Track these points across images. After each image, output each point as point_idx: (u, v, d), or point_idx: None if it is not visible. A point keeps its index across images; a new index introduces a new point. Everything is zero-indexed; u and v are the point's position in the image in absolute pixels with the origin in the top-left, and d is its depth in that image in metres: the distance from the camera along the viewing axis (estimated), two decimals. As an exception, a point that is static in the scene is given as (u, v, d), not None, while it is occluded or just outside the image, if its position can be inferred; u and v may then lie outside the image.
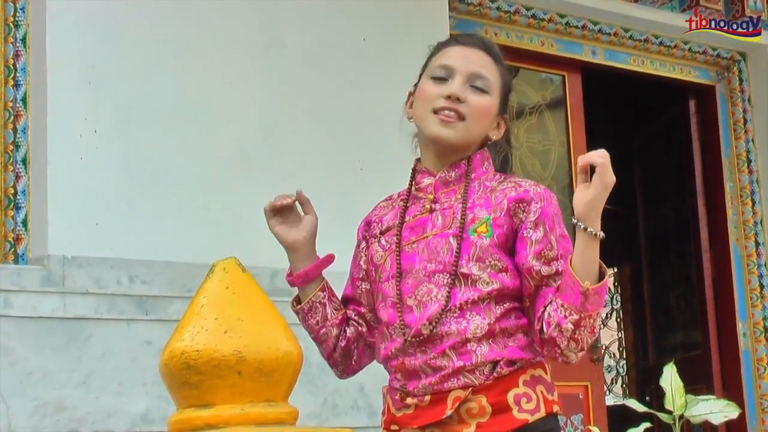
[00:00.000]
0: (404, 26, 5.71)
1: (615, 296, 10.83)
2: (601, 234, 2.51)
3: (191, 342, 1.61)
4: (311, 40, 5.41)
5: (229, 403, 1.61)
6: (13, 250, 4.62)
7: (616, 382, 10.87)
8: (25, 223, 4.65)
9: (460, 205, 2.66)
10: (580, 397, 6.55)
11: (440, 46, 2.82)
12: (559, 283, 2.58)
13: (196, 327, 1.63)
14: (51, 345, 4.27)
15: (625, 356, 10.69)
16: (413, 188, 2.77)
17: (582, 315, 2.52)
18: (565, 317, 2.53)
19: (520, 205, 2.64)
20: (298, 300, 2.89)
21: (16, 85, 4.76)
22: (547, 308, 2.58)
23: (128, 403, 4.37)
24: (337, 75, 5.45)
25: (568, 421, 6.45)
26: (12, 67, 4.76)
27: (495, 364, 2.58)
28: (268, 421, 1.61)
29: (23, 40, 4.79)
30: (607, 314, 10.67)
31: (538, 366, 2.66)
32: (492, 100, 2.74)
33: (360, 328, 2.83)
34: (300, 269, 2.84)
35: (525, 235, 2.62)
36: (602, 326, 8.14)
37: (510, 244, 2.64)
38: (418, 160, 2.82)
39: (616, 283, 10.85)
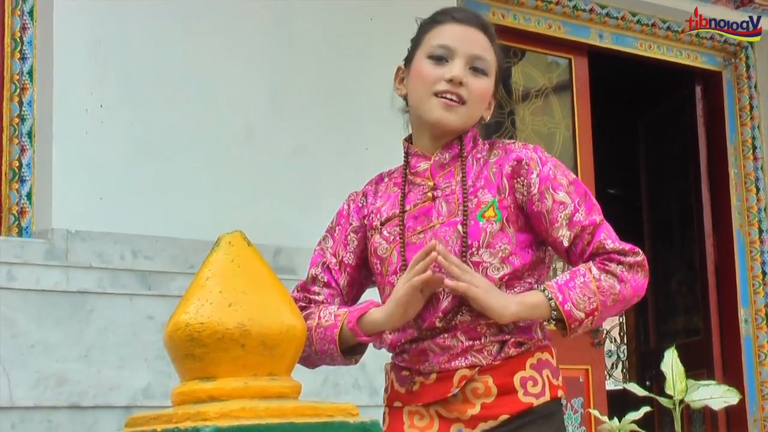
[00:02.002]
0: (412, 5, 5.68)
1: (617, 281, 10.83)
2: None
3: (195, 314, 1.61)
4: (319, 18, 5.41)
5: (233, 376, 1.61)
6: (17, 223, 4.62)
7: (616, 367, 10.88)
8: (29, 196, 4.65)
9: (462, 188, 2.62)
10: (581, 380, 6.56)
11: (435, 22, 2.73)
12: (578, 245, 2.60)
13: (200, 300, 1.63)
14: (53, 318, 4.28)
15: (626, 341, 10.70)
16: (408, 171, 2.71)
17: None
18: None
19: (518, 179, 2.61)
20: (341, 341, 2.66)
21: (23, 59, 4.75)
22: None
23: (129, 377, 4.38)
24: (344, 53, 5.44)
25: (569, 404, 6.46)
26: (19, 40, 4.76)
27: (503, 344, 2.58)
28: (271, 394, 1.61)
29: (30, 13, 4.78)
30: (609, 299, 10.66)
31: (545, 349, 2.65)
32: (490, 81, 2.69)
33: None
34: (381, 331, 2.65)
35: (535, 209, 2.60)
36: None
37: (520, 220, 2.61)
38: (407, 140, 2.76)
39: (619, 268, 10.84)
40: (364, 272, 2.78)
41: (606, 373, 8.75)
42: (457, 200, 2.61)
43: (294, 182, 5.13)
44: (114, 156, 4.71)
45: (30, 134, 4.69)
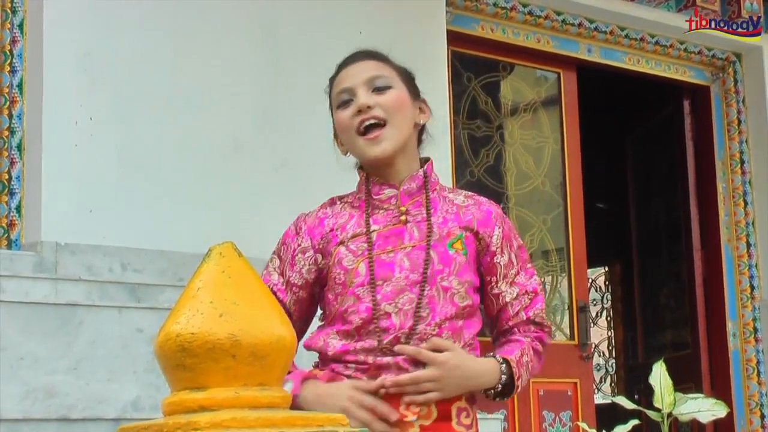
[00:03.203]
0: (401, 20, 5.72)
1: (605, 295, 10.86)
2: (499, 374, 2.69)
3: (186, 325, 1.61)
4: (307, 32, 5.42)
5: (223, 386, 1.61)
6: (6, 235, 4.62)
7: (605, 381, 10.90)
8: (18, 209, 4.66)
9: (433, 219, 2.71)
10: (569, 393, 6.57)
11: (331, 79, 2.84)
12: (515, 307, 2.78)
13: (191, 310, 1.63)
14: (42, 330, 4.27)
15: (614, 355, 10.72)
16: (371, 198, 2.76)
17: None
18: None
19: (486, 230, 2.74)
20: None
21: (12, 71, 4.76)
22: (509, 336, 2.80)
23: (118, 390, 4.37)
24: (333, 67, 5.44)
25: (557, 417, 6.48)
26: (8, 53, 4.77)
27: None
28: (262, 404, 1.62)
29: (20, 26, 4.79)
30: (597, 313, 10.70)
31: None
32: (398, 91, 2.74)
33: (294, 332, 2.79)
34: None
35: (495, 261, 2.74)
36: (593, 325, 8.16)
37: (474, 265, 2.73)
38: (361, 168, 2.80)
39: (607, 282, 10.88)
40: (313, 290, 2.80)
41: (594, 386, 8.77)
42: (430, 227, 2.69)
43: (282, 195, 5.14)
44: (103, 169, 4.71)
45: (19, 147, 4.70)
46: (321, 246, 2.75)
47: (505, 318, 2.77)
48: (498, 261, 2.74)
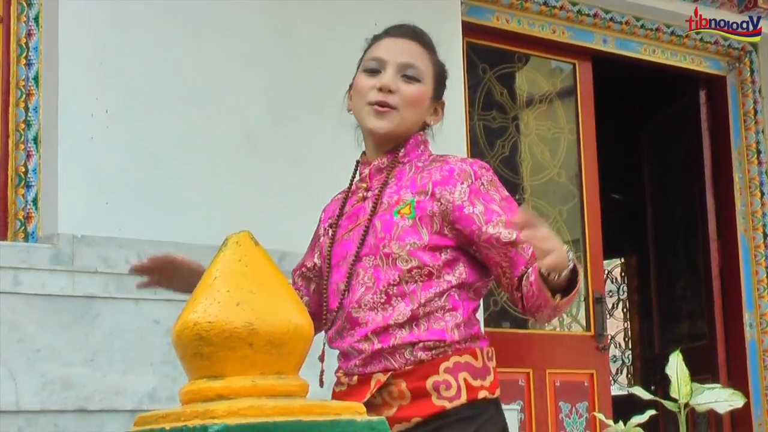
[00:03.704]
0: (416, 12, 5.70)
1: (621, 286, 10.84)
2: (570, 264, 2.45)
3: (203, 314, 1.62)
4: (321, 25, 5.42)
5: (240, 374, 1.61)
6: (23, 228, 4.63)
7: (621, 372, 10.89)
8: (35, 201, 4.67)
9: (389, 189, 2.71)
10: (585, 385, 6.56)
11: (373, 39, 2.87)
12: (527, 251, 2.56)
13: (208, 299, 1.63)
14: (59, 322, 4.28)
15: (630, 347, 10.70)
16: (356, 179, 2.84)
17: (557, 312, 2.57)
18: (542, 306, 2.51)
19: (446, 188, 2.65)
20: None
21: (28, 64, 4.77)
22: (524, 284, 2.56)
23: (135, 381, 4.38)
24: (347, 60, 5.43)
25: (573, 408, 6.47)
26: (24, 46, 4.78)
27: (413, 346, 2.60)
28: (279, 393, 1.62)
29: (36, 19, 4.80)
30: (613, 304, 10.68)
31: (464, 352, 2.64)
32: (424, 87, 2.77)
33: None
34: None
35: (466, 212, 2.61)
36: (609, 316, 8.16)
37: (437, 226, 2.63)
38: (364, 153, 2.86)
39: (623, 274, 10.86)
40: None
41: (611, 378, 8.76)
42: (380, 198, 2.71)
43: (297, 187, 5.14)
44: (119, 161, 4.72)
45: (36, 140, 4.71)
46: (321, 232, 2.90)
47: (516, 256, 2.59)
48: (470, 211, 2.60)
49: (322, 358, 2.78)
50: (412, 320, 2.60)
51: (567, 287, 2.46)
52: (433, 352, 2.61)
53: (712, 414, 6.94)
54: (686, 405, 2.55)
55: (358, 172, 2.85)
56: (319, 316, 2.80)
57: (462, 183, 2.65)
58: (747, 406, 6.14)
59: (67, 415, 4.22)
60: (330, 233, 2.80)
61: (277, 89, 5.24)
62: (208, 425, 1.51)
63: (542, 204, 6.87)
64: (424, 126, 2.83)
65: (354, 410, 1.66)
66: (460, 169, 2.67)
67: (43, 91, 4.74)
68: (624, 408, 5.27)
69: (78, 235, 4.54)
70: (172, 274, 2.91)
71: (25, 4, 4.79)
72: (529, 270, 2.54)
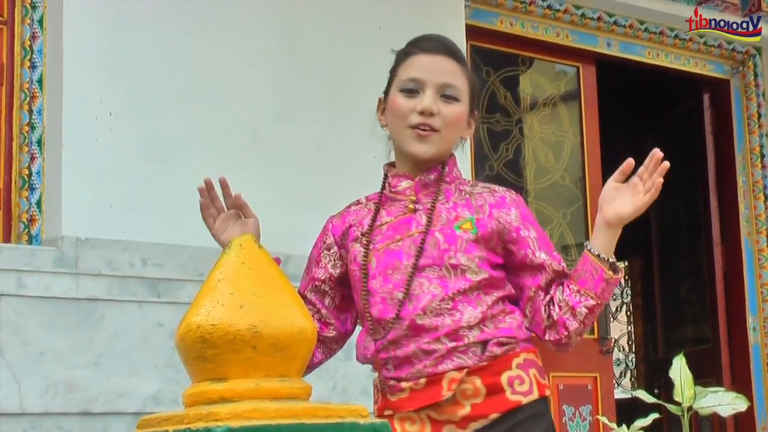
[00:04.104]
0: (420, 14, 5.72)
1: (625, 290, 10.83)
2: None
3: (207, 316, 1.62)
4: (326, 26, 5.42)
5: (244, 377, 1.62)
6: (27, 230, 4.64)
7: (624, 376, 10.87)
8: (39, 204, 4.67)
9: (443, 205, 2.75)
10: (589, 388, 6.56)
11: (406, 55, 2.85)
12: (561, 280, 2.73)
13: (212, 301, 1.64)
14: (63, 325, 4.29)
15: (634, 350, 10.69)
16: (388, 191, 2.83)
17: (598, 301, 2.67)
18: (581, 302, 2.67)
19: (502, 210, 2.75)
20: None
21: (32, 67, 4.77)
22: (556, 295, 2.71)
23: (139, 384, 4.39)
24: (352, 61, 5.45)
25: (577, 411, 6.47)
26: (28, 48, 4.78)
27: (485, 344, 2.66)
28: (282, 395, 1.62)
29: (40, 21, 4.80)
30: (617, 308, 10.67)
31: (530, 350, 2.74)
32: (463, 107, 2.80)
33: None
34: None
35: (522, 234, 2.74)
36: (612, 319, 8.15)
37: (493, 243, 2.73)
38: (389, 165, 2.88)
39: (627, 277, 10.84)
40: (340, 287, 2.89)
41: (614, 381, 8.75)
42: (437, 213, 2.74)
43: (302, 189, 5.14)
44: (123, 164, 4.72)
45: (40, 142, 4.71)
46: (342, 242, 2.85)
47: (555, 286, 2.75)
48: (526, 234, 2.74)
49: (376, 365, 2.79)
50: (482, 322, 2.66)
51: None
52: (506, 347, 2.68)
53: (715, 417, 6.93)
54: (690, 408, 2.55)
55: (388, 183, 2.84)
56: (343, 329, 2.88)
57: (515, 208, 2.77)
58: (750, 409, 6.13)
59: (71, 417, 4.23)
60: (364, 242, 2.78)
61: (282, 90, 5.24)
62: (212, 428, 1.51)
63: (546, 207, 6.87)
64: (460, 140, 2.87)
65: (357, 413, 1.66)
66: (510, 198, 2.80)
67: (47, 93, 4.74)
68: (627, 411, 5.27)
69: (82, 237, 4.54)
70: (228, 218, 2.95)
71: (29, 7, 4.80)
72: (564, 287, 2.73)
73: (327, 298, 2.89)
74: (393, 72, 2.86)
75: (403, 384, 2.68)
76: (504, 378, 2.65)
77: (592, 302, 2.66)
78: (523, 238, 2.73)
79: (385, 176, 2.86)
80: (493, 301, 2.69)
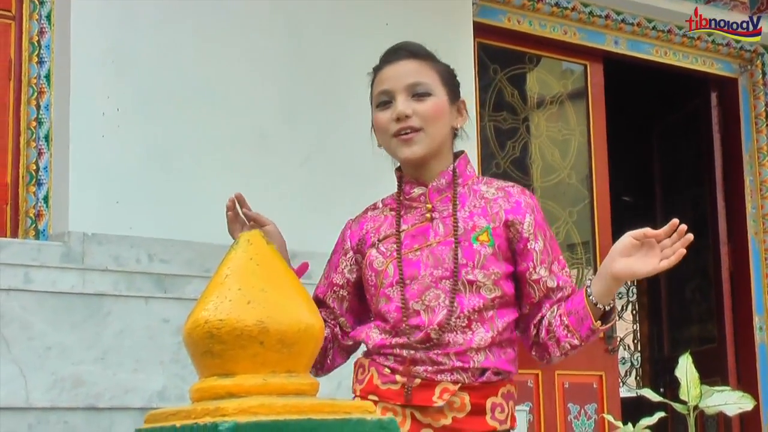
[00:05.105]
0: (427, 12, 5.72)
1: (631, 288, 10.82)
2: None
3: (214, 311, 1.62)
4: (332, 24, 5.42)
5: (251, 372, 1.62)
6: (34, 226, 4.64)
7: (630, 375, 10.86)
8: (46, 199, 4.68)
9: (459, 213, 2.78)
10: (594, 386, 6.56)
11: (374, 72, 2.90)
12: (557, 296, 2.79)
13: (219, 297, 1.64)
14: (70, 321, 4.29)
15: (639, 349, 10.68)
16: (402, 198, 2.86)
17: (582, 343, 2.75)
18: (566, 338, 2.75)
19: (517, 217, 2.78)
20: None
21: (40, 62, 4.78)
22: (547, 317, 2.79)
23: (145, 379, 4.39)
24: (358, 60, 5.44)
25: (582, 410, 6.46)
26: (36, 44, 4.78)
27: (485, 370, 2.74)
28: (289, 391, 1.62)
29: (48, 17, 4.80)
30: (622, 306, 10.67)
31: (513, 383, 2.84)
32: (438, 98, 2.81)
33: (335, 329, 2.94)
34: None
35: (529, 246, 2.78)
36: (618, 318, 8.14)
37: (507, 254, 2.78)
38: (399, 169, 2.90)
39: (633, 275, 10.81)
40: (357, 290, 2.93)
41: (620, 380, 8.74)
42: (454, 222, 2.76)
43: (307, 187, 5.14)
44: (130, 159, 4.73)
45: (47, 138, 4.72)
46: (359, 247, 2.89)
47: (549, 303, 2.80)
48: (532, 247, 2.78)
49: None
50: (489, 347, 2.73)
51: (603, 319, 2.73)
52: (500, 376, 2.77)
53: (721, 417, 6.93)
54: (695, 407, 2.55)
55: (402, 190, 2.87)
56: (358, 334, 2.88)
57: (530, 215, 2.80)
58: (756, 408, 6.12)
59: (77, 412, 4.24)
60: (385, 248, 2.81)
61: (288, 88, 5.24)
62: (219, 423, 1.51)
63: (552, 205, 6.86)
64: (454, 130, 2.88)
65: (364, 409, 1.67)
66: (526, 201, 2.82)
67: (55, 89, 4.75)
68: (633, 410, 5.26)
69: (89, 233, 4.54)
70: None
71: (37, 3, 4.80)
72: (557, 314, 2.77)
73: (345, 303, 2.94)
74: (370, 93, 2.90)
75: (398, 377, 2.73)
76: (489, 402, 2.74)
77: (576, 342, 2.74)
78: (529, 251, 2.78)
79: (400, 182, 2.88)
80: (503, 327, 2.75)
